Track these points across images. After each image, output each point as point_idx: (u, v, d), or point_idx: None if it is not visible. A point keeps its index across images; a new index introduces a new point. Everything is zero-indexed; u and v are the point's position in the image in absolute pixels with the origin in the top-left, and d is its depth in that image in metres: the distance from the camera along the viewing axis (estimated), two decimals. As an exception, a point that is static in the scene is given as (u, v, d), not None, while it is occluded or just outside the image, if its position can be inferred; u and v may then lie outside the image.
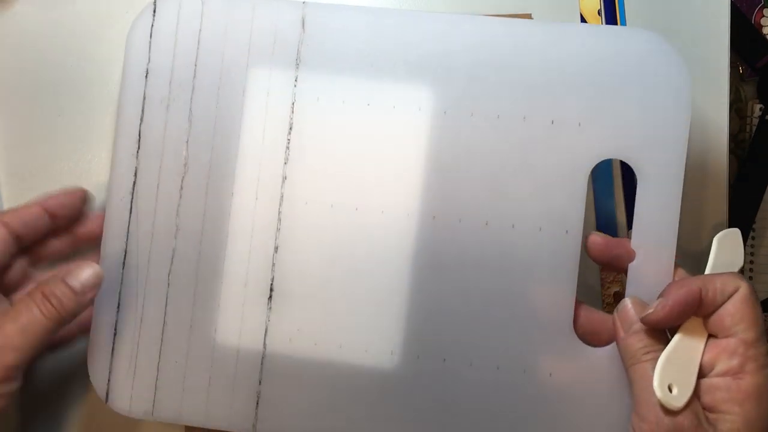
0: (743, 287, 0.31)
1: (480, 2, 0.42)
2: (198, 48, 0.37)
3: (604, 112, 0.35)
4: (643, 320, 0.32)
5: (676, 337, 0.32)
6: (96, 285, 0.35)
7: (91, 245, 0.39)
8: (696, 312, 0.32)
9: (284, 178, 0.37)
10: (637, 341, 0.32)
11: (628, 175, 0.41)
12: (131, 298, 0.37)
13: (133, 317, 0.37)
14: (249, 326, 0.37)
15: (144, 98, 0.37)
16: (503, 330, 0.35)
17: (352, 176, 0.36)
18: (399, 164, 0.36)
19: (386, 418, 0.36)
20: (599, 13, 0.40)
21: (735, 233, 0.34)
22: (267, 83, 0.37)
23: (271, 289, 0.37)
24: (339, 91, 0.37)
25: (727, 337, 0.31)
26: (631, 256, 0.34)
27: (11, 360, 0.32)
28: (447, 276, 0.36)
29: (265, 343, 0.36)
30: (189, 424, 0.37)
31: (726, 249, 0.34)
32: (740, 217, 0.54)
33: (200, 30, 0.37)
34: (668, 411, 0.30)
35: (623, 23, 0.41)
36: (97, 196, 0.40)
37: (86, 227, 0.39)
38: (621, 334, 0.33)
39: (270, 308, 0.37)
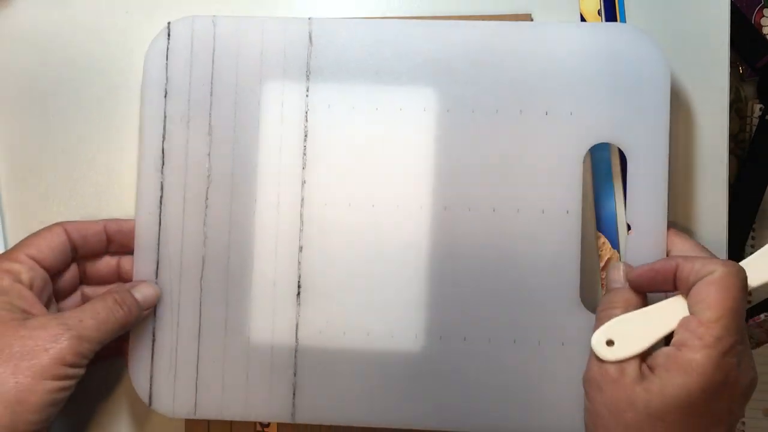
0: (718, 272, 0.32)
1: (480, 2, 0.42)
2: (213, 66, 0.40)
3: (592, 101, 0.39)
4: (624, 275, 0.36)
5: (651, 307, 0.35)
6: (154, 303, 0.39)
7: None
8: (674, 287, 0.35)
9: (303, 182, 0.39)
10: (613, 295, 0.36)
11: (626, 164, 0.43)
12: (166, 305, 0.39)
13: (169, 323, 0.39)
14: (280, 322, 0.39)
15: (165, 117, 0.40)
16: (516, 306, 0.38)
17: (367, 176, 0.39)
18: (409, 161, 0.39)
19: (414, 398, 0.39)
20: (599, 13, 0.41)
21: None
22: (280, 95, 0.40)
23: (299, 286, 0.39)
24: (348, 98, 0.39)
25: (692, 314, 0.33)
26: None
27: (86, 349, 0.35)
28: (461, 261, 0.39)
29: (297, 337, 0.39)
30: (230, 419, 0.40)
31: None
32: (740, 217, 0.54)
33: (214, 50, 0.40)
34: (598, 359, 0.33)
35: (623, 23, 0.42)
36: (97, 195, 0.42)
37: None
38: (604, 290, 0.36)
39: (299, 304, 0.39)
